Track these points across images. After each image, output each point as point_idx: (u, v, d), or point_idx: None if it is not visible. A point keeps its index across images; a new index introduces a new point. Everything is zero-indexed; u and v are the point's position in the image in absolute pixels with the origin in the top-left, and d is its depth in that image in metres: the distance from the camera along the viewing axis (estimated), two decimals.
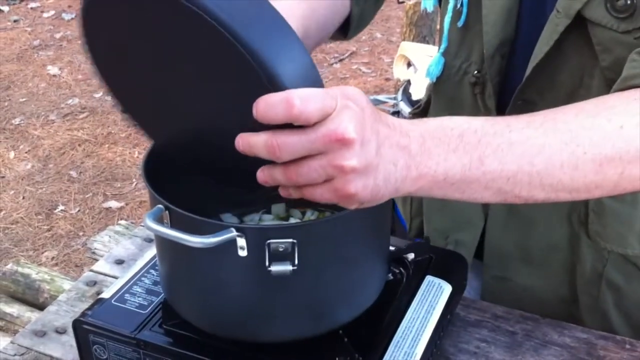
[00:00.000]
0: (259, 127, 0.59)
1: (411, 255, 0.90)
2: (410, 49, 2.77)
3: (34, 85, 4.00)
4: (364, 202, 0.63)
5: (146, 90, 0.68)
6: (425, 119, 0.67)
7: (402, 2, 2.77)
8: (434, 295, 0.85)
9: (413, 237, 1.16)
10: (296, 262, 0.68)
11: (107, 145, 3.44)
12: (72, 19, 4.77)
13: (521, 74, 0.90)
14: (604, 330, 0.95)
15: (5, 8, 4.91)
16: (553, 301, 1.00)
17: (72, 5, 4.94)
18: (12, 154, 3.41)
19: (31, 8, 4.92)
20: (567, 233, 0.96)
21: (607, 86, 0.82)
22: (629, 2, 0.78)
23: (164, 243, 0.76)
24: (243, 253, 0.67)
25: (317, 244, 0.70)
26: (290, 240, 0.67)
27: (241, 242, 0.66)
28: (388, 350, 0.78)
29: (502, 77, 0.93)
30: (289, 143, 0.59)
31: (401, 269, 0.88)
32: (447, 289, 0.86)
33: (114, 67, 0.69)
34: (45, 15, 4.84)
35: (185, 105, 0.66)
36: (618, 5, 0.79)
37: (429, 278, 0.87)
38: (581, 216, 0.94)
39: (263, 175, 0.63)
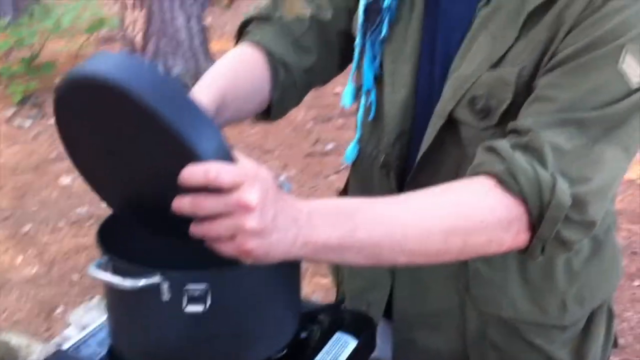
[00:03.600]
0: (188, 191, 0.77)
1: (325, 316, 1.06)
2: None
3: (46, 194, 4.25)
4: (258, 259, 0.80)
5: (103, 163, 0.87)
6: (316, 200, 0.86)
7: None
8: (339, 349, 1.01)
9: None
10: (208, 304, 0.84)
11: None
12: None
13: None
14: None
15: (27, 123, 5.27)
16: None
17: None
18: (19, 259, 3.61)
19: (50, 124, 5.26)
20: (456, 299, 1.12)
21: None
22: (485, 106, 0.99)
23: (109, 293, 0.93)
24: (165, 298, 0.85)
25: (227, 291, 0.86)
26: (204, 286, 0.84)
27: (164, 286, 0.84)
28: None
29: (402, 161, 1.11)
30: (207, 203, 0.77)
31: (315, 327, 1.04)
32: (352, 344, 1.02)
33: (79, 145, 0.88)
34: None
35: (133, 175, 0.85)
36: (477, 108, 1.00)
37: (338, 334, 1.03)
38: (464, 283, 1.10)
39: (193, 228, 0.80)
